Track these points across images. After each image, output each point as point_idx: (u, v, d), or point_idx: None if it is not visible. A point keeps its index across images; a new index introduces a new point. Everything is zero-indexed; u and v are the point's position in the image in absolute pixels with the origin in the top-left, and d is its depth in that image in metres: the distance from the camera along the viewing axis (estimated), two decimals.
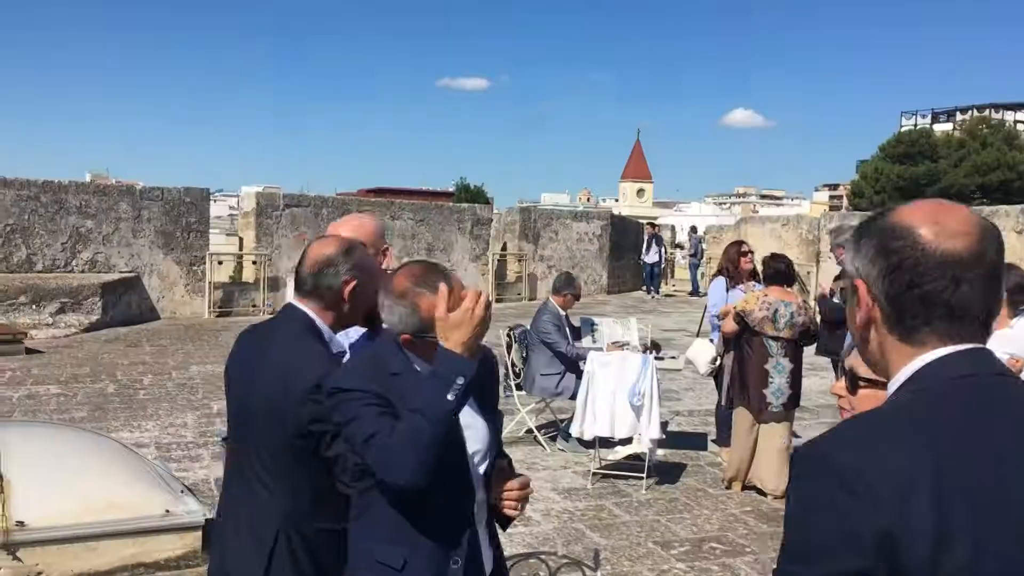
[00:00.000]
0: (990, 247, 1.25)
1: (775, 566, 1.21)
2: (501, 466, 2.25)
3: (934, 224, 1.24)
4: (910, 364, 1.24)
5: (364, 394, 2.03)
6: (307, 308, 2.47)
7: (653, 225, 24.28)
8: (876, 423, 1.19)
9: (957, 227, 1.24)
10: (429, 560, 2.07)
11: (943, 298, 1.22)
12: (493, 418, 2.23)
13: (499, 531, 2.32)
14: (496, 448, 2.23)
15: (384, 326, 2.18)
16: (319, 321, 2.45)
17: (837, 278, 8.02)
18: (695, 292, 23.03)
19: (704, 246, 24.73)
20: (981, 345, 1.25)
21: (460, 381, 1.95)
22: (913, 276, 1.22)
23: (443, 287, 2.03)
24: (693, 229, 26.51)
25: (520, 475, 2.28)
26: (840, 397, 2.69)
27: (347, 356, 2.51)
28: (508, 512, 2.26)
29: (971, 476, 1.10)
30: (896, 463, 1.10)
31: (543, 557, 2.77)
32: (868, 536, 1.07)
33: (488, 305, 2.05)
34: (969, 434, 1.13)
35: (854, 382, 2.03)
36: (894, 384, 1.26)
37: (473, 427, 2.13)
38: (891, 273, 1.24)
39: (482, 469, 2.18)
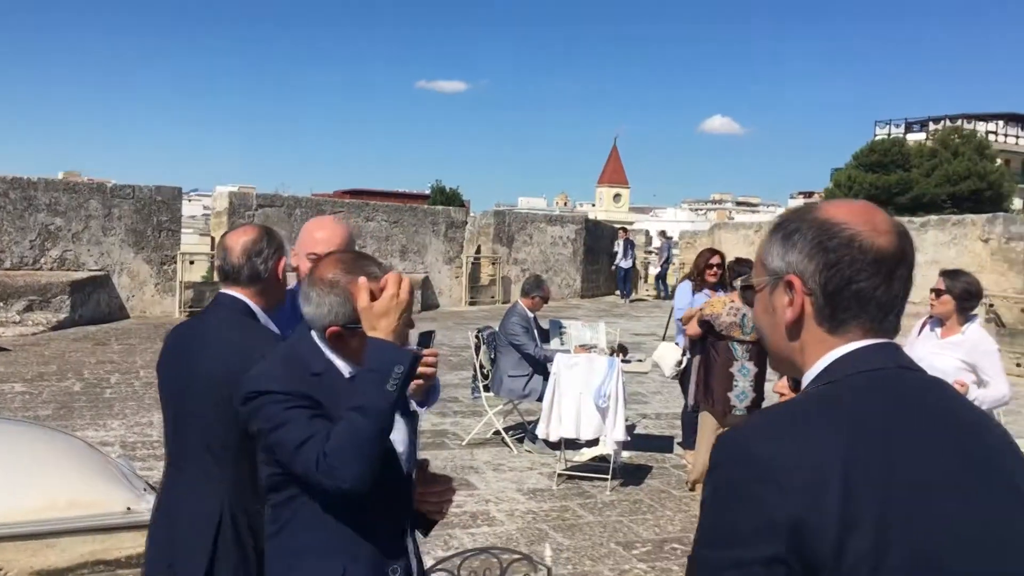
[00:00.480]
0: (909, 246, 1.32)
1: (696, 546, 1.24)
2: (421, 467, 2.18)
3: (867, 223, 1.29)
4: (824, 358, 1.29)
5: (287, 396, 1.89)
6: (241, 295, 2.50)
7: (625, 230, 24.40)
8: (791, 415, 1.25)
9: (885, 226, 1.30)
10: (369, 570, 1.94)
11: (876, 294, 1.27)
12: (411, 418, 2.11)
13: (421, 536, 2.23)
14: (416, 449, 2.13)
15: (306, 318, 2.04)
16: (254, 305, 2.49)
17: None
18: (660, 295, 23.32)
19: (677, 251, 24.92)
20: (889, 340, 1.30)
21: (399, 370, 1.85)
22: (852, 272, 1.26)
23: (362, 278, 1.93)
24: (662, 233, 26.68)
25: (441, 476, 2.22)
26: (782, 396, 2.76)
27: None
28: (432, 516, 2.19)
29: (878, 465, 1.15)
30: (808, 453, 1.15)
31: (494, 552, 2.80)
32: (781, 523, 1.12)
33: (411, 289, 1.96)
34: (876, 425, 1.18)
35: (797, 381, 2.08)
36: (809, 376, 1.31)
37: (395, 428, 1.98)
38: (829, 269, 1.27)
39: (405, 471, 2.07)
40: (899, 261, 1.29)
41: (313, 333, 2.02)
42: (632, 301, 22.52)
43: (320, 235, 2.93)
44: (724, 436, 1.26)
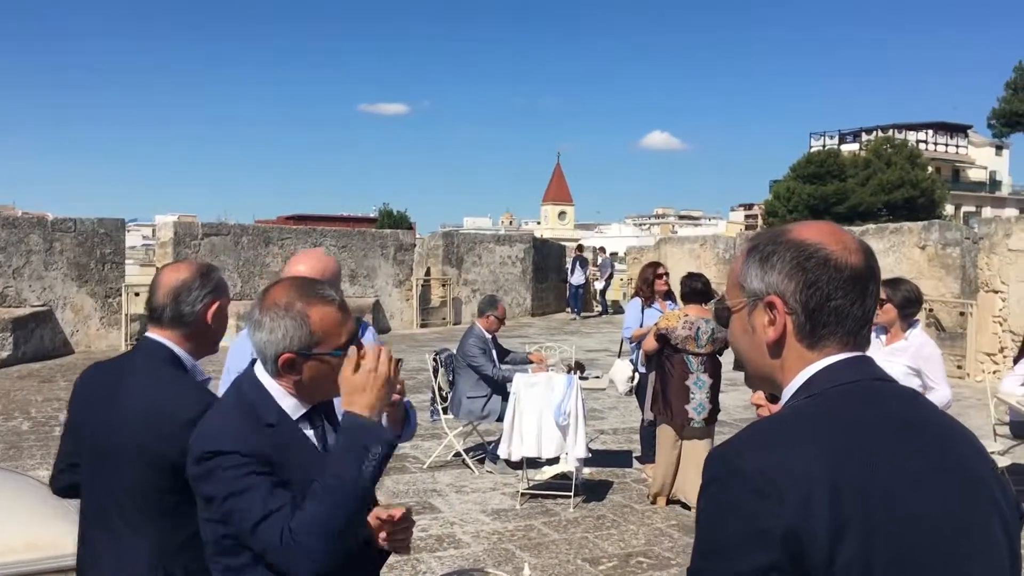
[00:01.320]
0: (875, 262, 1.41)
1: (694, 559, 1.30)
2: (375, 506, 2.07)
3: (838, 243, 1.37)
4: (803, 372, 1.36)
5: (245, 459, 1.77)
6: (165, 339, 2.34)
7: (580, 248, 24.58)
8: (777, 428, 1.31)
9: (853, 246, 1.38)
10: None
11: (852, 310, 1.35)
12: None
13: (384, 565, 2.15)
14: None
15: (256, 348, 1.91)
16: (179, 351, 2.34)
17: None
18: (604, 312, 23.49)
19: (624, 267, 25.20)
20: (863, 353, 1.39)
21: (375, 451, 1.76)
22: (830, 290, 1.34)
23: (352, 348, 1.85)
24: (602, 250, 26.94)
25: (396, 508, 2.09)
26: (759, 407, 2.83)
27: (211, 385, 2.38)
28: (400, 551, 2.11)
29: (861, 474, 1.22)
30: (797, 465, 1.21)
31: (473, 573, 2.82)
32: (774, 533, 1.18)
33: (394, 361, 1.86)
34: (857, 435, 1.26)
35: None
36: (788, 391, 1.38)
37: None
38: (809, 288, 1.35)
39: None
40: (870, 277, 1.37)
41: (259, 373, 1.93)
42: (585, 318, 22.67)
43: (301, 268, 2.81)
44: (714, 452, 1.32)
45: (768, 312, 1.38)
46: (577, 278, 22.74)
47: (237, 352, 2.98)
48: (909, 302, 4.73)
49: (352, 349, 1.86)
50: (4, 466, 6.45)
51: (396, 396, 2.00)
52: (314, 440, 1.92)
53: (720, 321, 1.53)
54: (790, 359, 1.38)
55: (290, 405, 1.91)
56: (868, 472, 1.22)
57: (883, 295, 4.78)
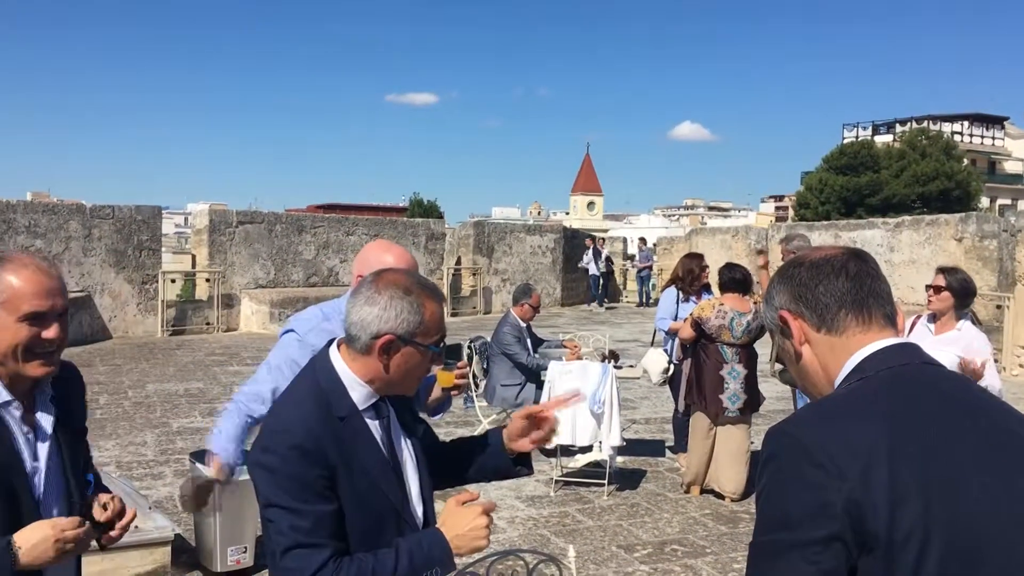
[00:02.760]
0: (859, 256, 1.54)
1: (751, 539, 1.34)
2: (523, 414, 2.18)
3: (814, 251, 1.58)
4: (852, 357, 1.43)
5: (303, 464, 1.81)
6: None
7: (593, 239, 24.43)
8: (835, 405, 1.38)
9: (826, 248, 1.59)
10: None
11: (839, 283, 1.48)
12: (421, 438, 2.12)
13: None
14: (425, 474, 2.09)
15: (358, 322, 1.92)
16: None
17: None
18: (644, 303, 23.36)
19: (656, 257, 25.08)
20: (907, 341, 1.48)
21: (436, 573, 1.87)
22: (807, 277, 1.50)
23: (474, 501, 1.95)
24: (642, 240, 26.83)
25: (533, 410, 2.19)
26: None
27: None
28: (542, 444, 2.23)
29: (916, 445, 1.27)
30: (856, 438, 1.27)
31: (521, 554, 2.87)
32: (837, 504, 1.23)
33: (489, 523, 1.93)
34: (910, 410, 1.32)
35: None
36: (839, 377, 1.45)
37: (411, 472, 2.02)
38: (797, 286, 1.51)
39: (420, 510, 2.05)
40: (847, 259, 1.51)
41: (334, 358, 1.95)
42: (608, 308, 22.64)
43: (389, 258, 2.84)
44: (773, 429, 1.37)
45: (786, 328, 1.51)
46: (593, 268, 22.61)
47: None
48: (966, 292, 4.67)
49: (480, 503, 1.95)
50: None
51: (463, 382, 2.28)
52: (378, 431, 1.96)
53: (784, 378, 1.71)
54: (825, 354, 1.47)
55: (360, 395, 1.93)
56: (925, 444, 1.27)
57: (941, 282, 4.72)
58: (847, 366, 1.43)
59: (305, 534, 1.78)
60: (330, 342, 2.01)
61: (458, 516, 1.91)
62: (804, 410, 1.42)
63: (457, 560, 1.93)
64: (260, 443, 1.88)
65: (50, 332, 1.97)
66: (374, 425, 1.95)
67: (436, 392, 2.99)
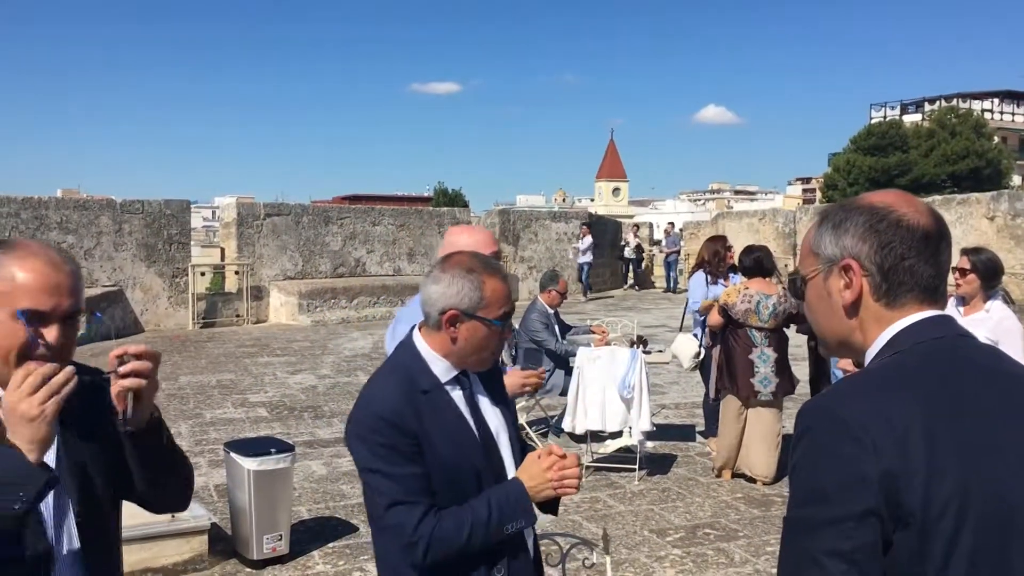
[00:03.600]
0: (945, 225, 1.46)
1: (785, 513, 1.34)
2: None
3: (909, 205, 1.43)
4: (887, 331, 1.41)
5: (393, 432, 1.98)
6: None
7: (588, 226, 23.75)
8: (870, 380, 1.36)
9: (923, 208, 1.44)
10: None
11: (926, 268, 1.40)
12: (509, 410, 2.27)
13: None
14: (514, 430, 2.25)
15: (428, 301, 2.09)
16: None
17: None
18: (671, 289, 23.17)
19: (683, 243, 24.92)
20: (943, 312, 1.43)
21: (520, 525, 2.04)
22: (903, 250, 1.39)
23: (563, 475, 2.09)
24: (671, 225, 26.64)
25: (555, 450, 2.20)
26: (846, 371, 2.86)
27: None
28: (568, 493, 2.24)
29: (952, 419, 1.26)
30: (891, 412, 1.26)
31: (555, 538, 2.89)
32: (872, 478, 1.22)
33: (562, 476, 2.07)
34: (946, 384, 1.31)
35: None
36: (873, 350, 1.42)
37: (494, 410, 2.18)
38: (884, 248, 1.40)
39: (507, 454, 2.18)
40: (941, 238, 1.42)
41: (416, 340, 2.12)
42: (631, 289, 22.52)
43: (464, 239, 2.89)
44: (809, 404, 1.36)
45: (844, 275, 1.43)
46: (584, 257, 21.91)
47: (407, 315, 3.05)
48: (992, 272, 4.62)
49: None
50: None
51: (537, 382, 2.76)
52: (462, 402, 2.11)
53: (795, 292, 1.61)
54: (868, 320, 1.43)
55: (442, 369, 2.10)
56: (960, 418, 1.26)
57: (966, 264, 4.66)
58: (881, 338, 1.41)
59: (401, 494, 1.97)
60: (414, 326, 2.18)
61: (532, 466, 2.08)
62: (840, 384, 1.41)
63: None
64: (353, 416, 2.07)
65: (50, 335, 1.65)
66: (457, 396, 2.11)
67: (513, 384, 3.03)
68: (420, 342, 2.13)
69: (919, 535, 1.21)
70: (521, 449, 2.25)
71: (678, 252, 24.27)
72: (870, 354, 1.43)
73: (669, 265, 24.06)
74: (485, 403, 2.16)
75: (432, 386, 2.08)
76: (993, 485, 1.24)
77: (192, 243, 17.29)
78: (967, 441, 1.25)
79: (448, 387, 2.10)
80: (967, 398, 1.29)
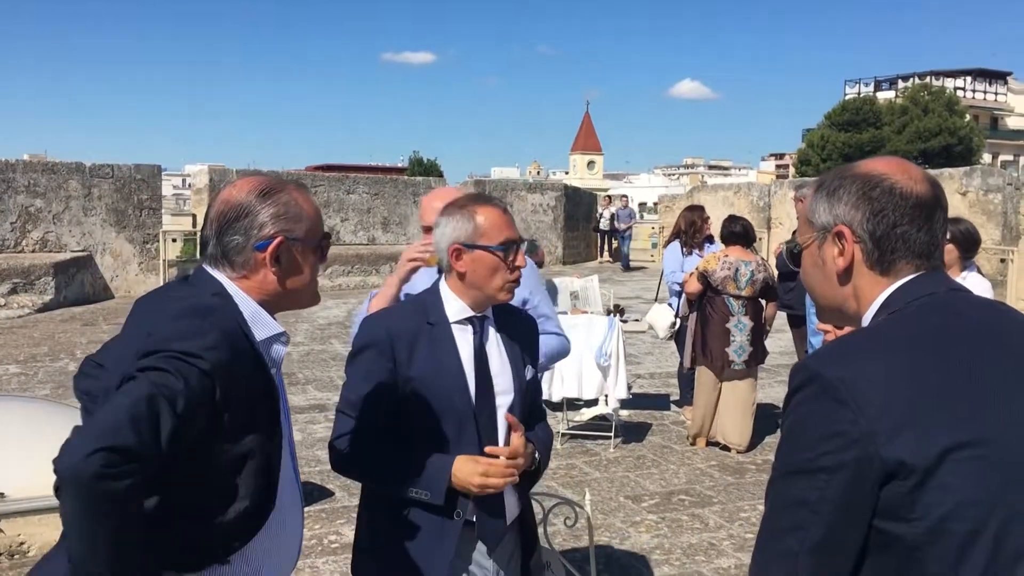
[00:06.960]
0: (942, 193, 1.45)
1: (775, 466, 1.34)
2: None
3: (904, 173, 1.42)
4: (880, 295, 1.41)
5: (370, 361, 2.18)
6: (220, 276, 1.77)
7: (609, 198, 23.95)
8: (859, 341, 1.36)
9: (919, 175, 1.44)
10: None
11: (919, 236, 1.40)
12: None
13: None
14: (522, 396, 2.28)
15: (436, 247, 2.25)
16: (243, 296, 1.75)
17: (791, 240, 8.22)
18: (626, 267, 22.29)
19: (655, 216, 24.77)
20: (932, 271, 1.42)
21: (424, 495, 2.11)
22: (896, 217, 1.39)
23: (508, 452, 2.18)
24: (623, 198, 26.23)
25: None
26: (827, 332, 2.86)
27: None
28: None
29: (939, 376, 1.26)
30: (876, 373, 1.26)
31: (537, 498, 2.89)
32: (853, 436, 1.23)
33: (489, 482, 2.11)
34: (936, 338, 1.31)
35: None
36: (868, 315, 1.42)
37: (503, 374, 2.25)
38: (876, 216, 1.40)
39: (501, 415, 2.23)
40: (935, 206, 1.42)
41: (441, 283, 2.26)
42: (606, 262, 22.54)
43: (437, 204, 2.85)
44: (798, 365, 1.37)
45: (837, 242, 1.43)
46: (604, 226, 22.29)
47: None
48: (971, 242, 4.63)
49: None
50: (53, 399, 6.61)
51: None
52: (467, 343, 2.21)
53: (792, 260, 1.59)
54: (862, 287, 1.43)
55: (454, 309, 2.22)
56: (947, 374, 1.26)
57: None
58: (875, 303, 1.41)
59: (347, 406, 2.18)
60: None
61: (469, 465, 2.12)
62: (831, 344, 1.41)
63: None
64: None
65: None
66: (463, 336, 2.21)
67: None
68: (443, 284, 2.26)
69: (913, 488, 1.21)
70: (531, 411, 2.31)
71: (631, 228, 24.00)
72: (866, 319, 1.43)
73: (623, 240, 23.47)
74: (494, 351, 2.24)
75: (439, 320, 2.20)
76: (987, 433, 1.23)
77: (163, 211, 17.07)
78: (955, 394, 1.25)
79: (457, 325, 2.21)
80: (955, 353, 1.29)
